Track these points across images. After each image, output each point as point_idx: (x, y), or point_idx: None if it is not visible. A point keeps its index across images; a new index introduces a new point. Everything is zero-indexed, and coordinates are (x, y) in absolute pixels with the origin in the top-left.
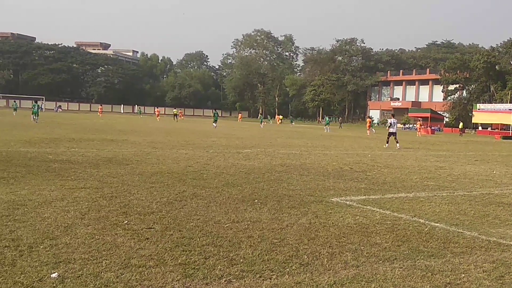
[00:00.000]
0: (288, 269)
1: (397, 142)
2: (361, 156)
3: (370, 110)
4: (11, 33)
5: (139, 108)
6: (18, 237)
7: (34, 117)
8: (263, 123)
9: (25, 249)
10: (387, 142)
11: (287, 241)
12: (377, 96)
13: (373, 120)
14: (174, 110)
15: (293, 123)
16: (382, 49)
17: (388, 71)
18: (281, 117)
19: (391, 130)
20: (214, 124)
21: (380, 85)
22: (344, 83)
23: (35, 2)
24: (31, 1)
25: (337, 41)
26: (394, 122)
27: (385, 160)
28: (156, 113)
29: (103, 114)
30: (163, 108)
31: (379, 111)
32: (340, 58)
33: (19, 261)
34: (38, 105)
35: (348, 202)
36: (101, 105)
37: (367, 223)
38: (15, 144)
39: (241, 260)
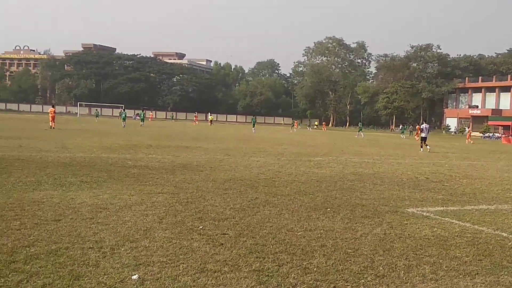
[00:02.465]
0: (363, 280)
1: (426, 145)
2: (438, 165)
3: (447, 118)
4: (93, 44)
5: (172, 114)
6: (101, 239)
7: (123, 122)
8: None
9: (108, 251)
10: (421, 147)
11: (362, 251)
12: (454, 104)
13: (450, 128)
14: (210, 116)
15: (362, 132)
16: (460, 55)
17: (466, 78)
18: (316, 122)
19: (422, 135)
20: (253, 128)
21: (457, 92)
22: (418, 90)
23: (116, 15)
24: (112, 13)
25: (412, 47)
26: (426, 127)
27: (463, 170)
28: (194, 118)
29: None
30: (235, 115)
31: (456, 119)
32: (414, 64)
33: (102, 262)
34: (125, 113)
35: (424, 213)
36: (196, 114)
37: (445, 235)
38: (97, 150)
39: (315, 269)
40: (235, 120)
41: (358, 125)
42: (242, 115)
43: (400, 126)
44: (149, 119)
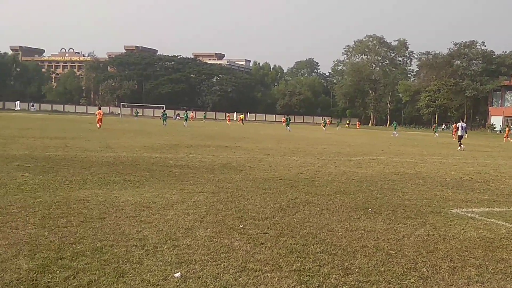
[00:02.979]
0: (406, 282)
1: (460, 144)
2: (483, 165)
3: (492, 117)
4: (135, 46)
5: (204, 113)
6: (144, 237)
7: (164, 122)
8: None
9: (151, 249)
10: (459, 145)
11: (404, 252)
12: (500, 102)
13: (495, 127)
14: (241, 115)
15: (396, 132)
16: (505, 52)
17: None
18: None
19: (459, 133)
20: (287, 127)
21: (503, 90)
22: (462, 88)
23: (157, 17)
24: (153, 16)
25: (455, 44)
26: (462, 126)
27: (509, 170)
28: (227, 118)
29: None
30: (273, 115)
31: (501, 117)
32: (458, 62)
33: (145, 260)
34: (166, 113)
35: (469, 214)
36: (229, 114)
37: (491, 237)
38: (140, 150)
39: (356, 270)
40: (273, 120)
41: (393, 125)
42: (281, 114)
43: (434, 125)
44: (190, 119)
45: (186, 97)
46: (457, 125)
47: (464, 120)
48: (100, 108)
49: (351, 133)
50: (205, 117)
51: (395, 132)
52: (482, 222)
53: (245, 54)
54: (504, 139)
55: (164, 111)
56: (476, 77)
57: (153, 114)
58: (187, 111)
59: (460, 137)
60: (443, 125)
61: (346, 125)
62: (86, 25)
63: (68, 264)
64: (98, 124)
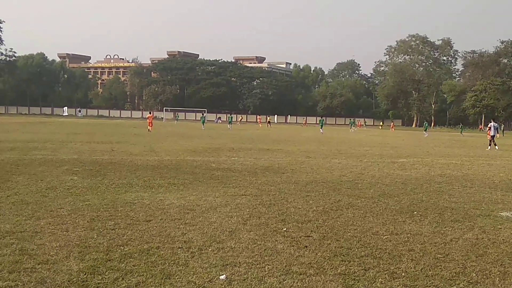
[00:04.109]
0: (455, 287)
1: (494, 144)
2: None
3: None
4: (178, 51)
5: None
6: (189, 239)
7: (203, 126)
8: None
9: (196, 251)
10: (490, 145)
11: (452, 256)
12: None
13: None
14: (269, 117)
15: (426, 132)
16: None
17: None
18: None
19: (491, 133)
20: (321, 130)
21: None
22: (510, 88)
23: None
24: (195, 21)
25: (502, 43)
26: (494, 126)
27: None
28: (258, 120)
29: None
30: (314, 117)
31: None
32: (505, 60)
33: (191, 262)
34: (205, 117)
35: None
36: (259, 116)
37: None
38: (183, 153)
39: (403, 274)
40: (315, 122)
41: (424, 125)
42: (322, 117)
43: (492, 123)
44: (238, 123)
45: (227, 100)
46: (489, 125)
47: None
48: (151, 113)
49: (382, 135)
50: (231, 121)
51: (424, 132)
52: None
53: (286, 56)
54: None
55: (203, 114)
56: None
57: (195, 118)
58: (231, 115)
59: (493, 137)
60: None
61: (380, 127)
62: (130, 31)
63: (117, 266)
64: (149, 127)
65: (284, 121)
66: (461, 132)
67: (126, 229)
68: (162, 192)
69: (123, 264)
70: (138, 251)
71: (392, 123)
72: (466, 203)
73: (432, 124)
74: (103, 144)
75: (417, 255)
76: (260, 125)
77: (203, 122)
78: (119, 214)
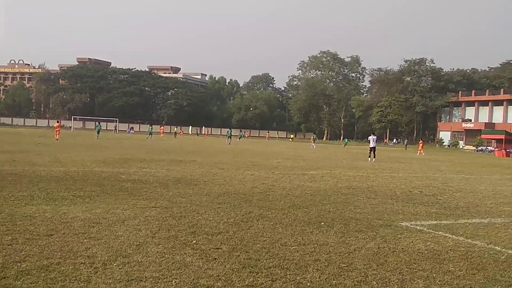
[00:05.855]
0: None
1: (374, 156)
2: (431, 179)
3: (440, 132)
4: (88, 58)
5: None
6: (93, 254)
7: (97, 135)
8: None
9: (100, 266)
10: (369, 157)
11: (355, 265)
12: (448, 117)
13: (443, 142)
14: (175, 128)
15: (344, 145)
16: (453, 69)
17: (459, 92)
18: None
19: (370, 145)
20: (228, 140)
21: (450, 106)
22: (412, 104)
23: (111, 30)
24: (107, 28)
25: (406, 62)
26: (373, 139)
27: (457, 183)
28: (160, 131)
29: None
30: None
31: (449, 132)
32: (408, 78)
33: (94, 278)
34: (100, 125)
35: (418, 227)
36: (162, 126)
37: (439, 249)
38: (91, 164)
39: (308, 284)
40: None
41: (343, 140)
42: (237, 128)
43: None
44: (160, 134)
45: (140, 110)
46: (368, 138)
47: (414, 135)
48: (58, 121)
49: (298, 147)
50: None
51: (343, 146)
52: (430, 235)
53: (201, 67)
54: (418, 151)
55: (99, 123)
56: (426, 94)
57: (106, 127)
58: (152, 125)
59: (372, 149)
60: (394, 140)
61: (290, 139)
62: (38, 36)
63: (12, 284)
64: (56, 136)
65: (219, 133)
66: (345, 145)
67: (24, 244)
68: (66, 204)
69: (19, 282)
70: (36, 268)
71: (292, 135)
72: (370, 213)
73: (341, 137)
74: (3, 154)
75: (322, 264)
76: (162, 135)
77: (98, 131)
78: (17, 228)
